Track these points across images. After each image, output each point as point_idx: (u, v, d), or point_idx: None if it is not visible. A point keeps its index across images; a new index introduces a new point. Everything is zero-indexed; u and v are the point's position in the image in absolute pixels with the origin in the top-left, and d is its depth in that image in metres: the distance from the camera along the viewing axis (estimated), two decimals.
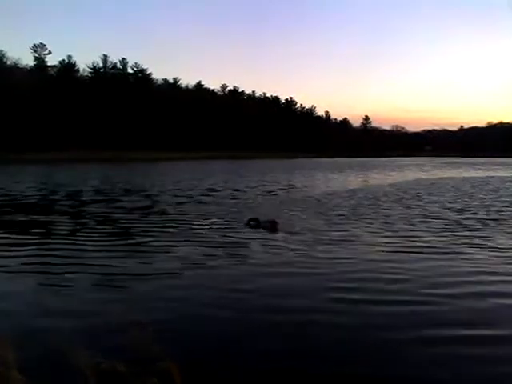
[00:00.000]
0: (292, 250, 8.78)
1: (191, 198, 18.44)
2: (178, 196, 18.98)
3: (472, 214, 14.03)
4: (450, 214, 14.01)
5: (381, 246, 9.27)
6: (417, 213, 14.03)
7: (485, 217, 13.32)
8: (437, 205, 16.31)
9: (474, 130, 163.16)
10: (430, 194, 20.31)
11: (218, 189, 22.46)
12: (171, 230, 11.04)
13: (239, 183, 26.25)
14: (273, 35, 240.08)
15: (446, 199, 18.28)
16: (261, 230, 10.73)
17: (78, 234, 10.60)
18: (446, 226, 11.52)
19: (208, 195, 19.37)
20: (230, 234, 10.28)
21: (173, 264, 7.72)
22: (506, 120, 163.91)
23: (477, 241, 9.69)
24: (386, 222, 12.09)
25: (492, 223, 12.14)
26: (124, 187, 23.51)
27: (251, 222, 11.25)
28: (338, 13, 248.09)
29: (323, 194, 19.84)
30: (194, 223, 11.86)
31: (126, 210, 14.95)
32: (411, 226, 11.53)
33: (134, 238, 10.14)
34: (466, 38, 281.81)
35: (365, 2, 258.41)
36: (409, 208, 15.29)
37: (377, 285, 6.66)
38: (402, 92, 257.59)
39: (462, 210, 14.81)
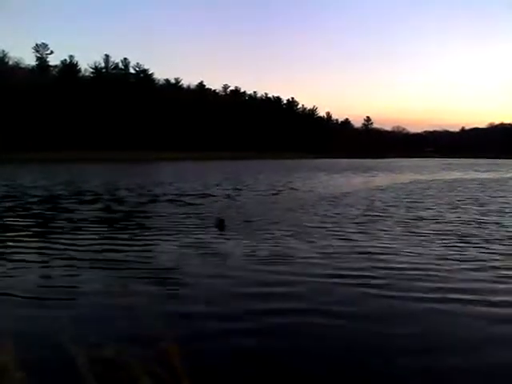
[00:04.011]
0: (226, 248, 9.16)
1: (170, 201, 17.96)
2: (155, 202, 17.98)
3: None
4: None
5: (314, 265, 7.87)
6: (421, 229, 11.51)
7: None
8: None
9: (475, 130, 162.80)
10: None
11: (207, 191, 22.43)
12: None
13: (232, 184, 26.36)
14: (275, 35, 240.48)
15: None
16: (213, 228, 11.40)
17: None
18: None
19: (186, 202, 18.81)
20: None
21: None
22: (507, 121, 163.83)
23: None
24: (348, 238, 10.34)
25: None
26: (98, 191, 22.33)
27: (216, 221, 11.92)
28: (339, 14, 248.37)
29: (312, 197, 20.02)
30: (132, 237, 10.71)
31: (70, 221, 12.84)
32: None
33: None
34: (468, 38, 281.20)
35: (366, 4, 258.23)
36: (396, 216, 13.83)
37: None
38: (404, 93, 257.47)
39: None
